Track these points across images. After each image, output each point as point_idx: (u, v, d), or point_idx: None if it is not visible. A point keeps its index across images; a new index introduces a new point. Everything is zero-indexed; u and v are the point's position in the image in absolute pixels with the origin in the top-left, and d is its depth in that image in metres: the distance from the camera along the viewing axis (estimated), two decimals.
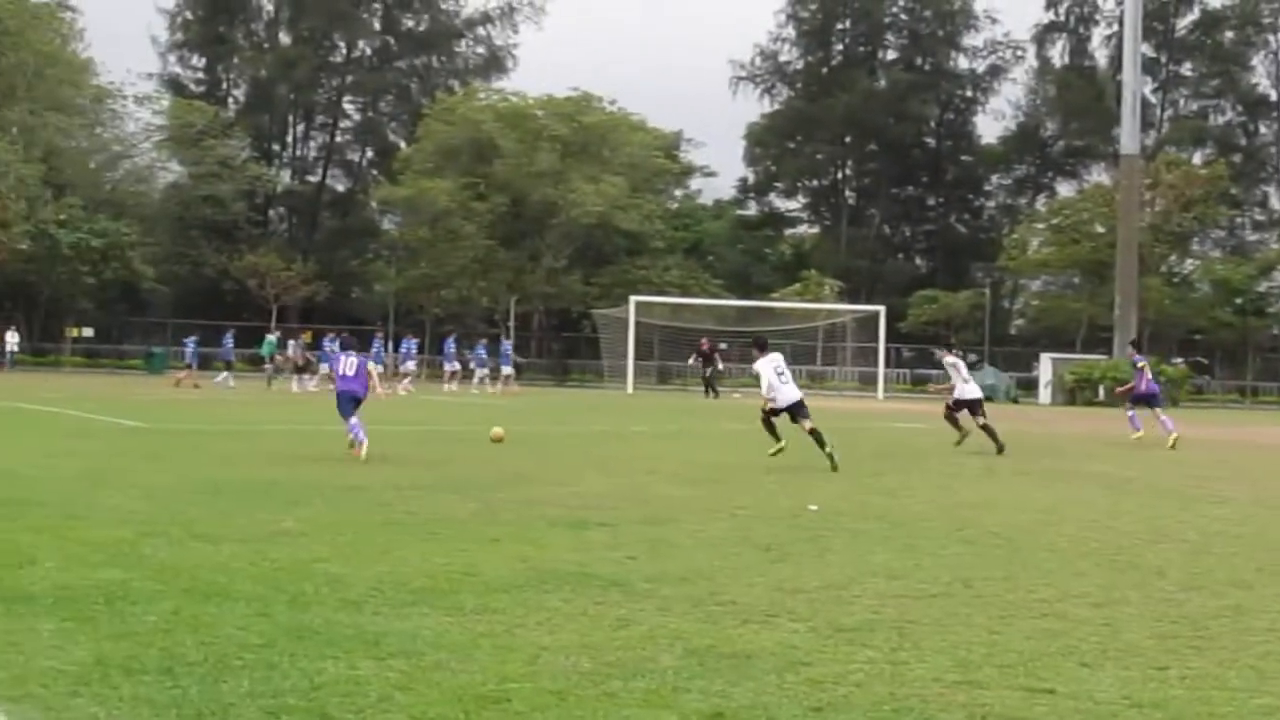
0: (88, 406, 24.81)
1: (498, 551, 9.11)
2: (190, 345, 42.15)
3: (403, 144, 69.48)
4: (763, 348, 17.08)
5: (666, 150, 65.93)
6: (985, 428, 20.27)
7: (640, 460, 16.63)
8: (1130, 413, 23.56)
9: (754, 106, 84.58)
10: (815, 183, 79.26)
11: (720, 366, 44.15)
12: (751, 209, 79.22)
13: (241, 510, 10.62)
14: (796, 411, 16.74)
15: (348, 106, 76.09)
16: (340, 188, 77.68)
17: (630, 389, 48.39)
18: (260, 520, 10.12)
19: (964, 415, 20.52)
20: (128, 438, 17.85)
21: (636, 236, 63.23)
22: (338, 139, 76.71)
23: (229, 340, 42.48)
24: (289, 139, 75.72)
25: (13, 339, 53.83)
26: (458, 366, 43.31)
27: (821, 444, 16.19)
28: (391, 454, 16.35)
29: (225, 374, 39.44)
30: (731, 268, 69.61)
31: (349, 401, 16.42)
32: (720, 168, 77.41)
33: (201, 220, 65.40)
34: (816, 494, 13.10)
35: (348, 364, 16.74)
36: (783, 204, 79.98)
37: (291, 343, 42.07)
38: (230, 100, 72.72)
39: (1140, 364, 23.69)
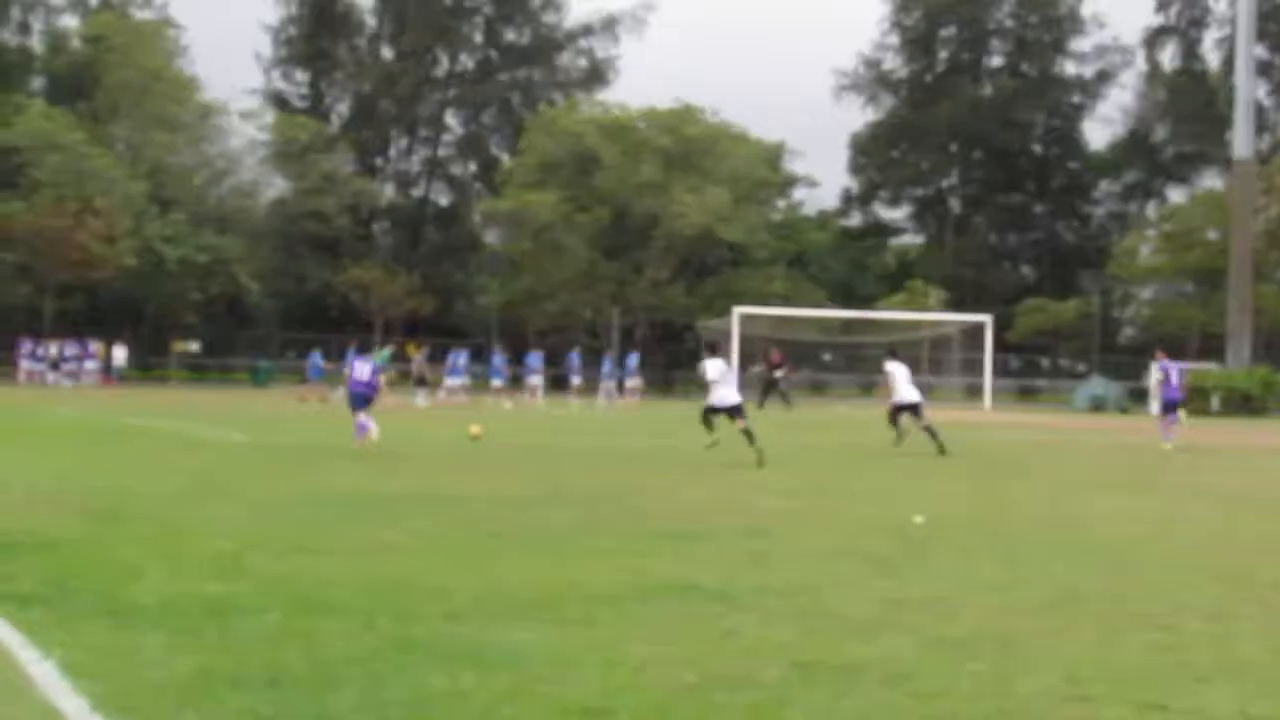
0: (194, 420, 25.13)
1: (601, 563, 9.11)
2: (316, 358, 42.41)
3: (505, 157, 69.61)
4: (714, 350, 19.35)
5: (769, 161, 65.52)
6: (927, 429, 21.63)
7: (742, 471, 16.84)
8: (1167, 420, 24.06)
9: (857, 115, 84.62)
10: (920, 191, 78.67)
11: (778, 375, 43.30)
12: (855, 219, 78.63)
13: (344, 523, 10.68)
14: (734, 412, 18.56)
15: (450, 120, 76.27)
16: (443, 201, 77.92)
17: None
18: (363, 533, 10.17)
19: (905, 418, 22.09)
20: (233, 452, 18.03)
21: (740, 248, 63.16)
22: (440, 152, 76.85)
23: (316, 356, 42.83)
24: (392, 153, 75.96)
25: (120, 354, 54.62)
26: (579, 379, 43.24)
27: (751, 440, 18.10)
28: (494, 467, 16.57)
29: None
30: (835, 278, 69.14)
31: (360, 399, 18.86)
32: (823, 177, 77.48)
33: (306, 234, 65.73)
34: (921, 506, 12.94)
35: (361, 369, 19.15)
36: (887, 213, 79.58)
37: (417, 357, 41.85)
38: (333, 115, 73.10)
39: (1165, 371, 24.46)
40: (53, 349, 50.87)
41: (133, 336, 59.38)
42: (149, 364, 58.81)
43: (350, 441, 18.75)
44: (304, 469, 15.37)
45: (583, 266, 60.99)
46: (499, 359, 43.09)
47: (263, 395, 44.03)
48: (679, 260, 62.86)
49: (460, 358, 42.06)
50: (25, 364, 51.18)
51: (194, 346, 60.22)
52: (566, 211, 60.50)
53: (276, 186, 66.98)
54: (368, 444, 18.22)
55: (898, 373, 22.58)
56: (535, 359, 42.62)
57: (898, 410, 21.96)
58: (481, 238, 71.82)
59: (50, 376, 49.75)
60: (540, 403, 39.01)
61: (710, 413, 18.54)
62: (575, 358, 43.47)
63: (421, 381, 39.83)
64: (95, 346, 51.79)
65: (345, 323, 62.80)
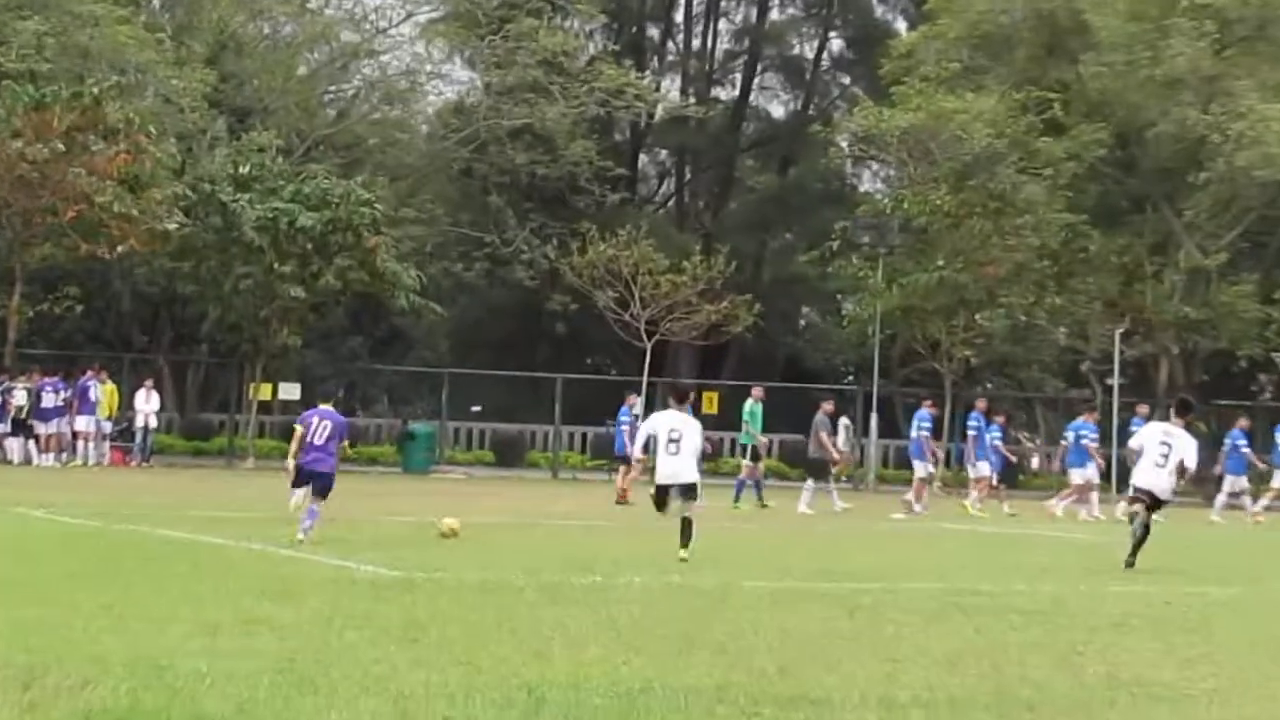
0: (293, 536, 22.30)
1: None
2: (626, 415, 39.37)
3: (902, 28, 67.38)
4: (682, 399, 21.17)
5: None
6: None
7: None
8: None
9: None
10: None
11: None
12: None
13: None
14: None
15: None
16: (776, 110, 78.68)
17: None
18: None
19: None
20: (365, 595, 15.58)
21: None
22: (768, 25, 78.25)
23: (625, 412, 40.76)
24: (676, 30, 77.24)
25: (148, 406, 48.13)
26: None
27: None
28: None
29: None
30: None
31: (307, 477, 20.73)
32: None
33: (507, 180, 62.17)
34: None
35: (320, 429, 20.48)
36: None
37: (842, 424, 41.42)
38: None
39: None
40: (19, 394, 45.55)
41: (174, 374, 56.97)
42: (205, 425, 56.64)
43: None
44: (501, 632, 13.17)
45: (1054, 241, 53.63)
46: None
47: (423, 485, 42.65)
48: (1245, 233, 56.60)
49: (926, 417, 38.25)
50: None
51: (290, 391, 53.61)
52: (1019, 133, 53.33)
53: (454, 85, 65.85)
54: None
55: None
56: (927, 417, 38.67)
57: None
58: (851, 183, 72.22)
59: (13, 447, 45.13)
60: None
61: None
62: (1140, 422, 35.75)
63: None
64: (99, 389, 46.49)
65: (580, 348, 67.17)
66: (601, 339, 60.20)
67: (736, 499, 35.33)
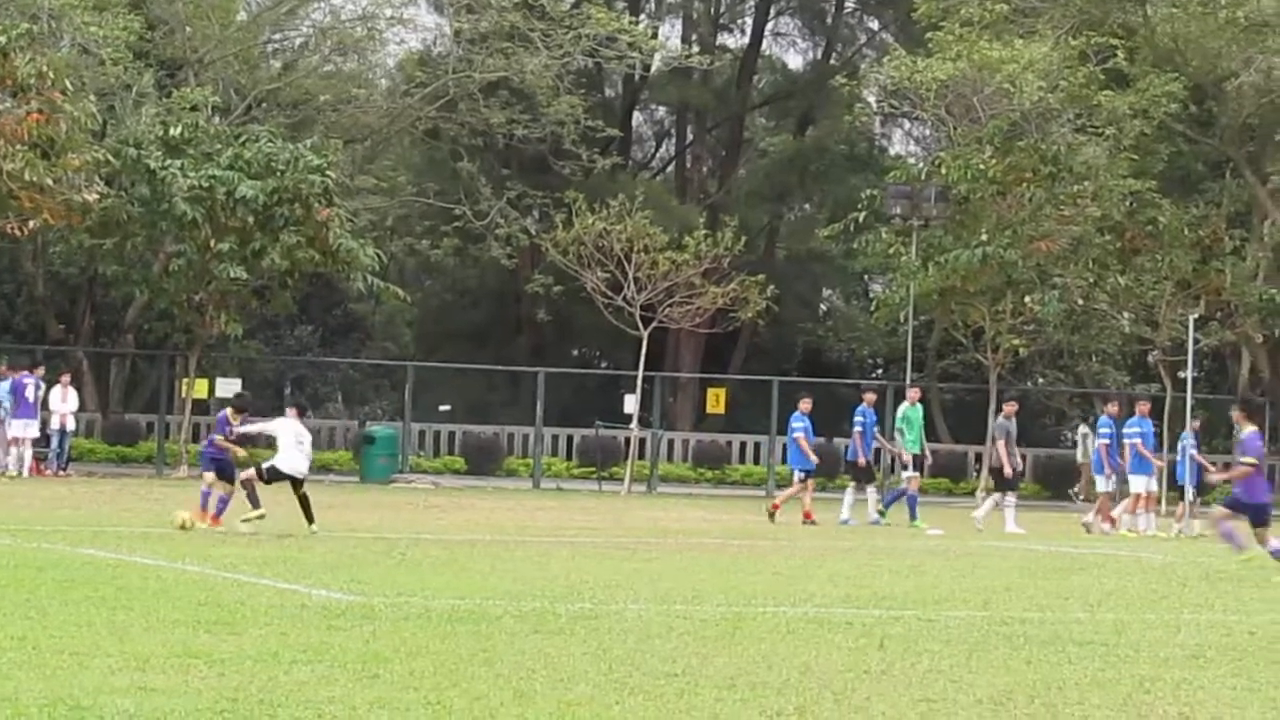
0: (245, 556, 23.40)
1: None
2: (800, 420, 38.97)
3: None
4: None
5: None
6: None
7: None
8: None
9: None
10: None
11: None
12: None
13: None
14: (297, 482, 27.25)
15: None
16: (792, 61, 78.83)
17: None
18: None
19: None
20: (317, 623, 15.75)
21: None
22: None
23: None
24: None
25: (65, 407, 48.29)
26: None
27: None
28: None
29: None
30: None
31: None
32: None
33: (481, 142, 63.02)
34: None
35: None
36: None
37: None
38: None
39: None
40: None
41: (91, 368, 56.40)
42: (131, 426, 56.02)
43: None
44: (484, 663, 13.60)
45: (1116, 211, 53.59)
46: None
47: (384, 496, 43.27)
48: None
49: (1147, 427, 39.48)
50: None
51: (230, 387, 52.44)
52: (1077, 87, 53.73)
53: (422, 31, 65.93)
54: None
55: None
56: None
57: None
58: (878, 144, 73.85)
59: None
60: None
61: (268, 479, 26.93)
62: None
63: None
64: (37, 390, 47.68)
65: (564, 338, 68.37)
66: (590, 327, 60.49)
67: (913, 517, 35.86)
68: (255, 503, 26.54)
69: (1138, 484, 38.04)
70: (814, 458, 37.01)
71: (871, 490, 37.07)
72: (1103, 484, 38.77)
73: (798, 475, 36.92)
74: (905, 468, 38.99)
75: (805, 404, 38.56)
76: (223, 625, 15.54)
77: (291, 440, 30.11)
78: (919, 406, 38.19)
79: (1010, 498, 36.93)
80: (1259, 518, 26.48)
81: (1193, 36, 54.46)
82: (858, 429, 38.35)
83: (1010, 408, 38.10)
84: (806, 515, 36.21)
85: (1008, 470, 36.97)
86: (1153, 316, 54.24)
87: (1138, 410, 38.34)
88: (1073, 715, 11.57)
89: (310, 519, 28.32)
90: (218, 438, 31.06)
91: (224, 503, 26.97)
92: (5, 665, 12.43)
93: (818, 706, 11.33)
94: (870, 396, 39.67)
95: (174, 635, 14.56)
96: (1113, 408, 39.93)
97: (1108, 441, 39.10)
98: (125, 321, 56.34)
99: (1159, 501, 38.45)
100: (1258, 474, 26.37)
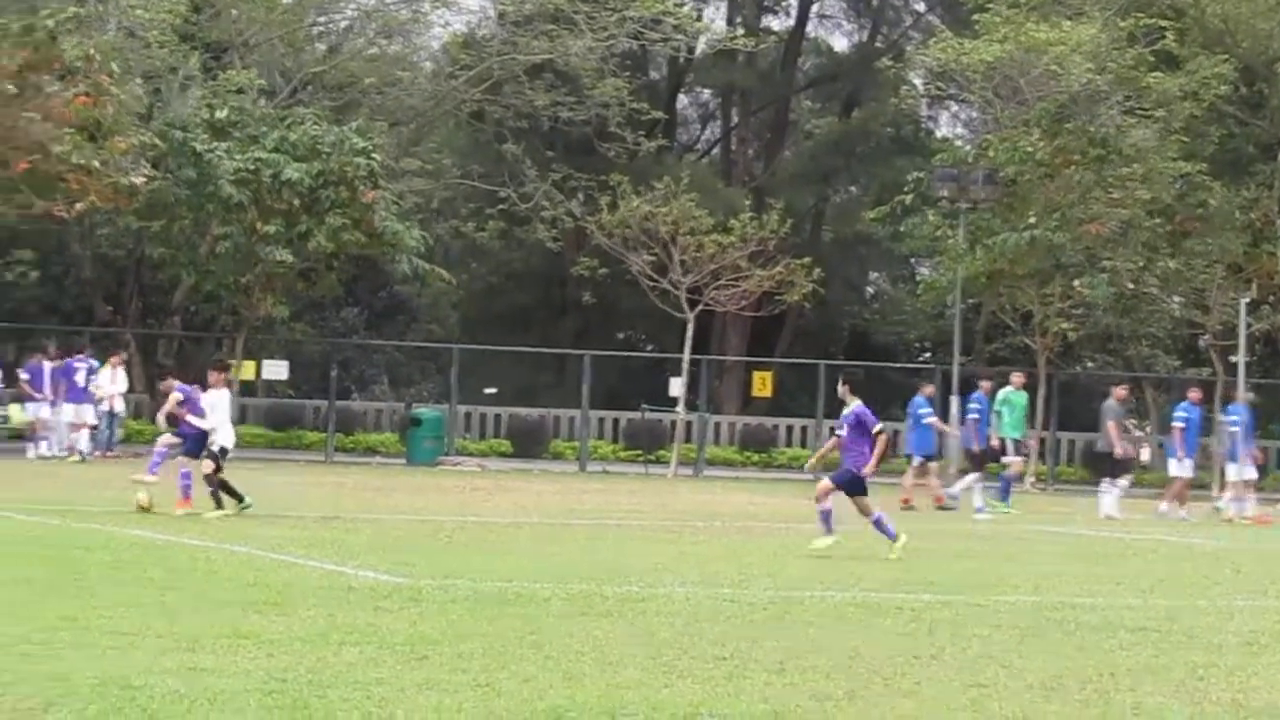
0: (292, 537, 23.22)
1: None
2: (925, 406, 39.35)
3: None
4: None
5: None
6: None
7: None
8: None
9: None
10: None
11: None
12: None
13: None
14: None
15: None
16: (838, 43, 78.69)
17: None
18: None
19: None
20: (365, 605, 15.41)
21: None
22: None
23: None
24: None
25: (115, 388, 47.77)
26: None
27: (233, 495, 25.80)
28: None
29: None
30: None
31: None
32: None
33: (526, 125, 62.95)
34: None
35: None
36: None
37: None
38: None
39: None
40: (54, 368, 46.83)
41: (138, 349, 55.54)
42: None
43: None
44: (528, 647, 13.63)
45: (1166, 194, 53.68)
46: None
47: (430, 479, 42.88)
48: None
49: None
50: None
51: (276, 370, 55.09)
52: (1125, 69, 53.24)
53: (465, 13, 66.09)
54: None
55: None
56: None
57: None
58: (925, 127, 73.15)
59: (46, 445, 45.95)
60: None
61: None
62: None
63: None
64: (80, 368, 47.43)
65: (607, 326, 68.26)
66: (635, 310, 60.47)
67: (1005, 499, 35.91)
68: (237, 495, 25.74)
69: (1234, 470, 37.73)
70: (1122, 448, 36.36)
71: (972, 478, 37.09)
72: (1176, 468, 38.33)
73: (917, 460, 37.25)
74: (1004, 453, 38.63)
75: (929, 388, 38.63)
76: (271, 606, 15.52)
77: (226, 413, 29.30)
78: (1023, 392, 38.09)
79: (1122, 481, 36.53)
80: None
81: (1243, 18, 54.05)
82: (974, 416, 38.27)
83: (1121, 391, 37.79)
84: (905, 501, 35.80)
85: (1118, 452, 36.65)
86: (1203, 300, 53.87)
87: (1188, 396, 38.16)
88: (1125, 702, 11.48)
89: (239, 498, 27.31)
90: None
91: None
92: (56, 645, 12.41)
93: (867, 691, 11.26)
94: (986, 385, 39.42)
95: (222, 616, 14.56)
96: (1195, 394, 39.31)
97: (1182, 426, 38.68)
98: (172, 303, 56.48)
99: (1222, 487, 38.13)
100: None
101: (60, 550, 19.93)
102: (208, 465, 25.39)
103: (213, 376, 26.43)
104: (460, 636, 13.75)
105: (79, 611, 14.22)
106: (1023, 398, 38.03)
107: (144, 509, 25.24)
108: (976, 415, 38.16)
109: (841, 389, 24.09)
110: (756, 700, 10.96)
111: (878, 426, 23.38)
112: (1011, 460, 38.00)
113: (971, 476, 37.93)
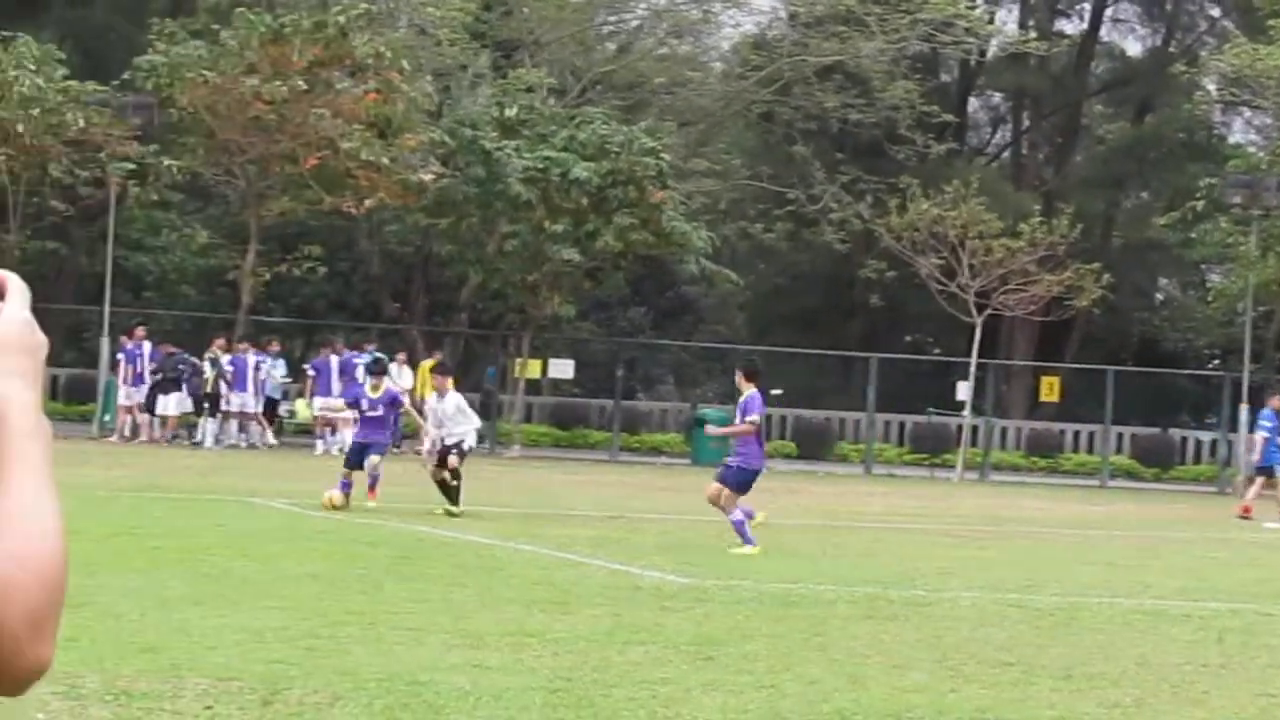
0: (577, 536, 23.53)
1: None
2: (1272, 420, 39.09)
3: None
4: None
5: None
6: None
7: None
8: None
9: None
10: None
11: None
12: None
13: None
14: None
15: None
16: (1131, 47, 78.25)
17: None
18: None
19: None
20: (650, 605, 15.71)
21: None
22: None
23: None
24: None
25: (401, 383, 45.54)
26: None
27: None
28: None
29: None
30: None
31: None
32: None
33: (815, 126, 62.36)
34: None
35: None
36: None
37: None
38: None
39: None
40: (225, 359, 47.39)
41: (424, 346, 54.81)
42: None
43: None
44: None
45: None
46: None
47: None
48: None
49: None
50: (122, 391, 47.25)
51: (562, 369, 55.71)
52: None
53: (757, 14, 65.95)
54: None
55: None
56: None
57: None
58: (1218, 133, 71.61)
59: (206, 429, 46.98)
60: None
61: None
62: None
63: None
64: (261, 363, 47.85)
65: (903, 321, 68.55)
66: (923, 313, 60.22)
67: None
68: (453, 498, 25.55)
69: None
70: None
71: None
72: None
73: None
74: None
75: (1276, 400, 37.81)
76: (556, 605, 15.64)
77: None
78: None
79: None
80: None
81: None
82: (1263, 434, 37.75)
83: (1276, 402, 36.98)
84: (1246, 510, 35.71)
85: None
86: None
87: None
88: None
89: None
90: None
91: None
92: (343, 639, 12.67)
93: (1155, 699, 11.14)
94: (1276, 401, 38.68)
95: (508, 614, 14.71)
96: (1277, 401, 38.69)
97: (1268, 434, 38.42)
98: (459, 301, 56.95)
99: None
100: None
101: (345, 545, 20.19)
102: (453, 460, 25.33)
103: (439, 380, 26.50)
104: (745, 637, 13.72)
105: (365, 606, 14.44)
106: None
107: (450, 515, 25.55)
108: (1266, 433, 37.54)
109: (738, 377, 24.14)
110: (1043, 706, 10.86)
111: (753, 415, 23.10)
112: None
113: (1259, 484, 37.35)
